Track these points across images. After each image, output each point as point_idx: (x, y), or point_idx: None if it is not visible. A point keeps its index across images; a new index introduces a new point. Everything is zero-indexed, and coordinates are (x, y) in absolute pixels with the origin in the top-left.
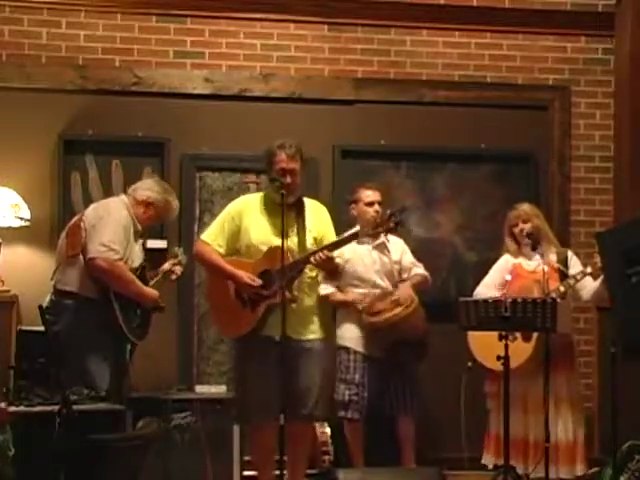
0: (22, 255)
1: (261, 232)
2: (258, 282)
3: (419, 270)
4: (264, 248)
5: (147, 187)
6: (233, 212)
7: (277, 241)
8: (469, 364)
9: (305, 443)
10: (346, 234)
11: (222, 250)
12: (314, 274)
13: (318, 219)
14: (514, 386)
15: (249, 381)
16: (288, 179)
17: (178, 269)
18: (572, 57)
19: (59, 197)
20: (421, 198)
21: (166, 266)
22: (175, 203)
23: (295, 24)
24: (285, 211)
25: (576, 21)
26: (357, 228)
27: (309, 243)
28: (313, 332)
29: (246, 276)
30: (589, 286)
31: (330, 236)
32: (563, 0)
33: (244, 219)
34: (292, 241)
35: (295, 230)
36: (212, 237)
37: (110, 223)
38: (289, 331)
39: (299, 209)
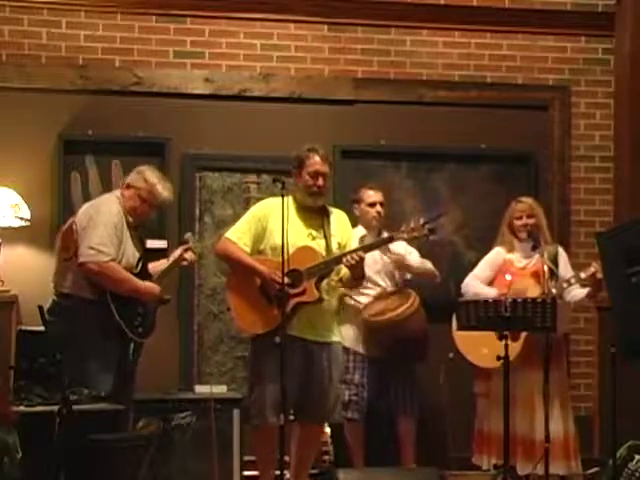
0: (22, 255)
1: (288, 233)
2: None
3: (429, 266)
4: (292, 247)
5: (132, 172)
6: (259, 214)
7: (303, 243)
8: (450, 355)
9: (316, 444)
10: (381, 237)
11: (247, 249)
12: (337, 277)
13: (341, 225)
14: (501, 384)
15: (268, 380)
16: (320, 181)
17: (189, 255)
18: (572, 57)
19: (59, 197)
20: (421, 198)
21: (177, 253)
22: (155, 180)
23: (295, 24)
24: (312, 214)
25: (576, 21)
26: (391, 233)
27: (334, 247)
28: (335, 335)
29: (272, 272)
30: (572, 293)
31: (352, 243)
32: (563, 0)
33: (270, 221)
34: (318, 244)
35: (322, 234)
36: (239, 235)
37: (99, 223)
38: (313, 332)
39: (325, 214)
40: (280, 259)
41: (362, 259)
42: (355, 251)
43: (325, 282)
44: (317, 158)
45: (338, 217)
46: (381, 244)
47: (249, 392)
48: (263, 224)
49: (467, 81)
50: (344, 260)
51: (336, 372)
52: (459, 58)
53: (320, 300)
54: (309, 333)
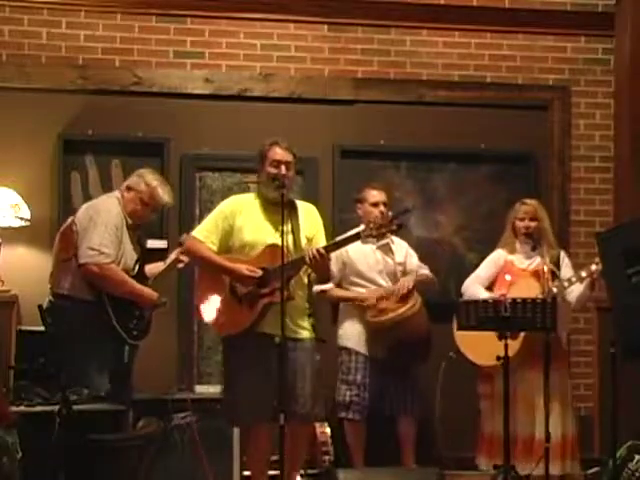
0: (22, 255)
1: (256, 231)
2: (258, 272)
3: (426, 272)
4: (259, 246)
5: (132, 174)
6: (227, 211)
7: (272, 239)
8: (451, 354)
9: (302, 444)
10: (348, 234)
11: (215, 248)
12: (305, 274)
13: (310, 219)
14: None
15: (241, 380)
16: (283, 170)
17: (186, 257)
18: (572, 57)
19: (59, 197)
20: (421, 198)
21: (173, 255)
22: (156, 184)
23: (295, 24)
24: (278, 209)
25: (576, 21)
26: (359, 228)
27: (303, 242)
28: (304, 331)
29: (246, 268)
30: (575, 291)
31: (320, 236)
32: (563, 0)
33: (237, 218)
34: (286, 240)
35: (289, 229)
36: (205, 234)
37: (99, 224)
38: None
39: (291, 208)
40: (249, 257)
41: (323, 257)
42: (324, 248)
43: (293, 280)
44: (278, 149)
45: (306, 210)
46: (348, 241)
47: (223, 393)
48: (230, 222)
49: (467, 81)
50: (306, 259)
51: (308, 369)
52: (459, 58)
53: (290, 298)
54: (279, 330)
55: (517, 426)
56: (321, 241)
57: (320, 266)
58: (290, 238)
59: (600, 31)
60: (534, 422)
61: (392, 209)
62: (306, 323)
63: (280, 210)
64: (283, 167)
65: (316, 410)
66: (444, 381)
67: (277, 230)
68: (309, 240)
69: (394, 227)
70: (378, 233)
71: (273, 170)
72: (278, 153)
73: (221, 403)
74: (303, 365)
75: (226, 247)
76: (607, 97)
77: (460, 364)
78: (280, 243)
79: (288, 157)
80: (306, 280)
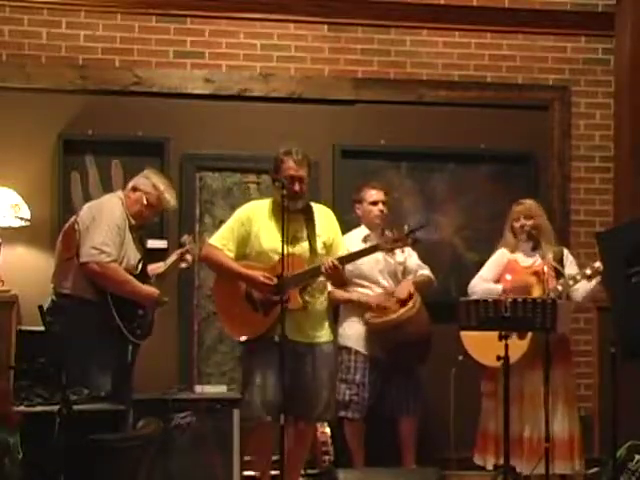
0: (22, 255)
1: (272, 238)
2: (274, 280)
3: (425, 272)
4: (275, 254)
5: (139, 175)
6: (243, 218)
7: (289, 247)
8: (460, 357)
9: (307, 444)
10: (365, 247)
11: (232, 255)
12: (323, 278)
13: (327, 224)
14: (508, 383)
15: (261, 381)
16: (297, 187)
17: (188, 257)
18: (572, 57)
19: (59, 197)
20: (421, 198)
21: (173, 256)
22: (163, 187)
23: (295, 24)
24: (294, 216)
25: (576, 21)
26: (376, 241)
27: (319, 248)
28: (324, 335)
29: (262, 275)
30: (582, 288)
31: (339, 240)
32: (563, 0)
33: (254, 225)
34: (302, 247)
35: (305, 235)
36: (223, 242)
37: (102, 224)
38: (301, 335)
39: (308, 214)
40: (265, 265)
41: (338, 269)
42: (338, 259)
43: (309, 288)
44: (291, 163)
45: (323, 215)
46: (364, 254)
47: (242, 394)
48: (247, 228)
49: (467, 81)
50: (322, 270)
51: (325, 372)
52: (459, 58)
53: (304, 308)
54: (297, 335)
55: (525, 426)
56: (340, 246)
57: (335, 276)
58: (305, 245)
59: (600, 31)
60: (541, 421)
61: (391, 210)
62: (325, 327)
63: (295, 217)
64: (297, 184)
65: (328, 414)
66: (453, 383)
67: (294, 238)
68: (327, 246)
69: (409, 242)
70: (394, 247)
71: (287, 184)
72: (292, 167)
73: (241, 403)
74: (319, 369)
75: (243, 254)
76: (607, 97)
77: (468, 366)
78: (297, 252)
79: (302, 171)
80: (328, 284)
